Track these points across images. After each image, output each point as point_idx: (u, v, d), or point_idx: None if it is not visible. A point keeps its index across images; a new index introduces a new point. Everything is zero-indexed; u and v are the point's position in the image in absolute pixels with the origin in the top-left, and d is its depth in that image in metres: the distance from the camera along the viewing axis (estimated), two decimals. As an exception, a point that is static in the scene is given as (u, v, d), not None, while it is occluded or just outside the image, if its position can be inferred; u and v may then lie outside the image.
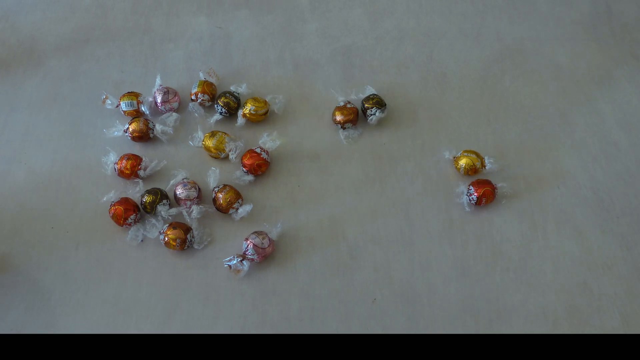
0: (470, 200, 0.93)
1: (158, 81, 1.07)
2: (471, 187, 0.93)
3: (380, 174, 0.99)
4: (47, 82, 1.14)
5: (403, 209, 0.95)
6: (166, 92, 1.05)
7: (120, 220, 0.90)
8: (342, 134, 1.03)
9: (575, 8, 1.27)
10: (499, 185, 0.94)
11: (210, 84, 1.07)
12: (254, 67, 1.16)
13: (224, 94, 1.05)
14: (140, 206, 0.92)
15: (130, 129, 1.00)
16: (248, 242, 0.86)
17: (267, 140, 0.98)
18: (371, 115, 1.02)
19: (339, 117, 1.03)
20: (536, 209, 0.95)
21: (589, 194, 0.96)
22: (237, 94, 1.06)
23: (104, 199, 0.92)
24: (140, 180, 0.96)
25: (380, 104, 1.02)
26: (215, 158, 1.00)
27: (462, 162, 0.97)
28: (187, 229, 0.89)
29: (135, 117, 1.03)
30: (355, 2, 1.29)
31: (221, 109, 1.04)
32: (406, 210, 0.95)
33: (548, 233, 0.92)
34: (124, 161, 0.96)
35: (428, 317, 0.83)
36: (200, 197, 0.94)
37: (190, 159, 1.01)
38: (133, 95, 1.04)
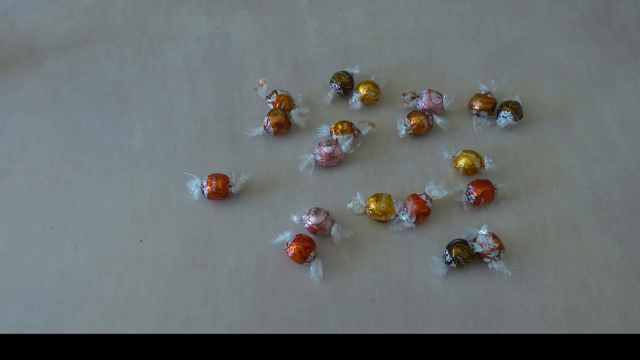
0: (468, 199, 0.93)
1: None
2: (470, 187, 0.93)
3: (380, 174, 0.99)
4: (46, 82, 1.14)
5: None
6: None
7: None
8: (474, 120, 1.05)
9: (575, 8, 1.27)
10: (498, 186, 0.94)
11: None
12: (253, 67, 1.16)
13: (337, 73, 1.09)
14: None
15: (271, 122, 1.01)
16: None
17: (433, 189, 0.92)
18: (502, 118, 1.03)
19: (477, 104, 1.05)
20: (535, 208, 0.95)
21: (588, 193, 0.96)
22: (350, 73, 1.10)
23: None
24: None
25: (517, 112, 1.02)
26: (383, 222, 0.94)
27: (462, 162, 0.97)
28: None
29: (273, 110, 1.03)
30: (354, 2, 1.29)
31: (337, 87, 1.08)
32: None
33: (547, 233, 0.92)
34: (214, 181, 0.93)
35: (427, 317, 0.83)
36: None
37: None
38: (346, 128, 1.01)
